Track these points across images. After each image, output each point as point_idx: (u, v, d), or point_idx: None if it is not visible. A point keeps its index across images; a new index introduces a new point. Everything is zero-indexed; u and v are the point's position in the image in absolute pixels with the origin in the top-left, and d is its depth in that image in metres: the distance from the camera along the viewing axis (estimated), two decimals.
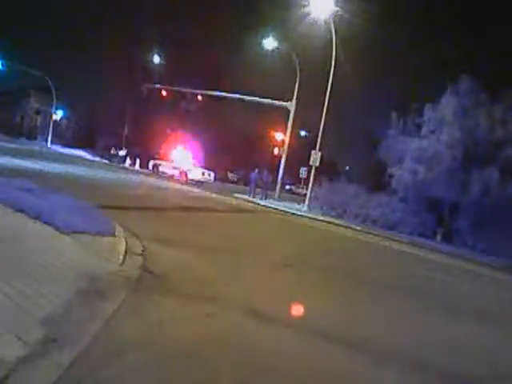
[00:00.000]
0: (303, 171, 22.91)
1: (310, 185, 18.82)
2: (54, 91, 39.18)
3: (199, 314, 3.29)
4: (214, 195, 18.43)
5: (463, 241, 14.69)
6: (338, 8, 17.33)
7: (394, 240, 13.39)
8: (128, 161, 34.30)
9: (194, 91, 30.57)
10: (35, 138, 43.19)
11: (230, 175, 42.90)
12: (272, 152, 44.08)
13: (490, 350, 3.98)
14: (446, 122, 15.89)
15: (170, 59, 35.78)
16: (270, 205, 18.17)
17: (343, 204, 17.49)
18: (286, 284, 5.01)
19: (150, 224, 7.15)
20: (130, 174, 22.68)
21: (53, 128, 40.50)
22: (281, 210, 16.97)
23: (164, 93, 31.48)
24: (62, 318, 2.58)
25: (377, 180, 18.66)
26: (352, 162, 47.71)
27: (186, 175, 25.94)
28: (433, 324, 4.53)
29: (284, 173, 22.90)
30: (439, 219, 15.75)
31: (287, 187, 42.93)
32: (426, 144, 15.98)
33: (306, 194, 20.01)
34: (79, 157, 33.54)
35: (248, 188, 22.80)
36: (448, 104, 15.94)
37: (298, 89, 22.46)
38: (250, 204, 17.96)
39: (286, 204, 19.45)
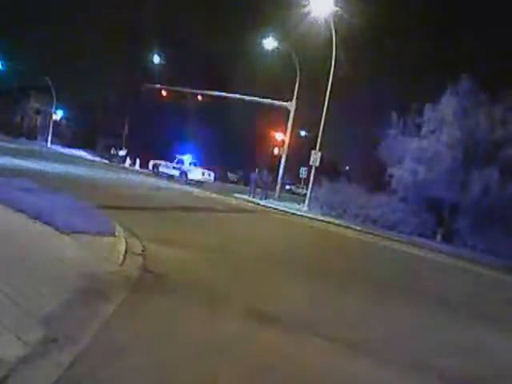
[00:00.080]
0: (303, 171, 22.93)
1: (310, 185, 18.82)
2: (53, 91, 39.21)
3: (199, 313, 3.29)
4: (214, 195, 18.43)
5: (463, 241, 14.69)
6: (337, 8, 17.35)
7: (394, 240, 13.39)
8: (128, 161, 34.33)
9: (194, 91, 30.54)
10: (35, 138, 43.16)
11: (230, 175, 42.88)
12: (272, 152, 44.02)
13: (491, 349, 3.98)
14: (445, 122, 15.89)
15: (170, 59, 35.78)
16: (269, 205, 18.17)
17: (343, 204, 17.48)
18: (286, 284, 5.00)
19: (149, 224, 7.16)
20: (130, 174, 22.69)
21: (53, 128, 40.54)
22: (281, 210, 16.97)
23: (164, 93, 31.45)
24: (62, 317, 2.58)
25: (377, 180, 18.63)
26: (352, 162, 47.60)
27: (186, 175, 25.93)
28: (433, 324, 4.53)
29: (284, 173, 22.89)
30: (439, 219, 15.75)
31: (287, 187, 42.85)
32: (426, 144, 15.98)
33: (305, 194, 20.02)
34: (79, 157, 33.56)
35: (248, 188, 22.80)
36: (448, 104, 15.93)
37: (298, 89, 22.47)
38: (250, 204, 17.97)
39: (286, 204, 19.45)
